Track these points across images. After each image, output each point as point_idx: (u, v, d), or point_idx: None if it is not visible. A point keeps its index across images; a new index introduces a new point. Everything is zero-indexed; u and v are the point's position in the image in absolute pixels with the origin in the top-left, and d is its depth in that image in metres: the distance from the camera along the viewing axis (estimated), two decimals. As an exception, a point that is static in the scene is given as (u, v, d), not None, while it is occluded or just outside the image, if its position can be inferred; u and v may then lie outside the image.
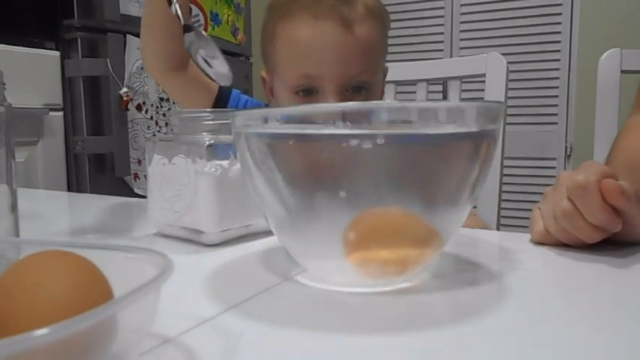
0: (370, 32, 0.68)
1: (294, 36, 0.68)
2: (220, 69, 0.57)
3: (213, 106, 0.83)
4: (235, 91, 0.87)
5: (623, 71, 0.87)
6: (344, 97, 0.67)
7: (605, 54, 0.88)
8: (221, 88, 0.84)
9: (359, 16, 0.67)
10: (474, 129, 0.32)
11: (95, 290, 0.21)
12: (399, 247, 0.33)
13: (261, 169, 0.34)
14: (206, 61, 0.58)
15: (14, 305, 0.20)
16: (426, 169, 0.32)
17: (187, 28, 0.57)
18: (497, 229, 0.85)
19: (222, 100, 0.84)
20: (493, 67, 0.88)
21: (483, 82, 0.89)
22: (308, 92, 0.68)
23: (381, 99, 0.77)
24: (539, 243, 0.44)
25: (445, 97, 2.13)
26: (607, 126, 0.88)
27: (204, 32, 0.59)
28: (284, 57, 0.70)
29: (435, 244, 0.34)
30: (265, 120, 0.34)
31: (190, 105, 0.83)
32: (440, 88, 2.08)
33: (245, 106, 0.86)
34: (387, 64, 0.79)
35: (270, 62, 0.74)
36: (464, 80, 0.95)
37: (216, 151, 0.43)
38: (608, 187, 0.38)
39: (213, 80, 0.59)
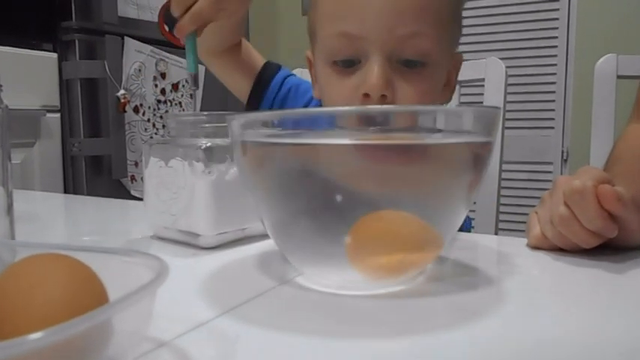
0: None
1: None
2: None
3: (253, 88, 0.77)
4: (282, 74, 0.78)
5: (619, 76, 0.87)
6: (392, 70, 0.53)
7: (602, 59, 0.88)
8: (264, 67, 0.77)
9: None
10: (470, 133, 0.32)
11: (90, 293, 0.21)
12: (396, 251, 0.33)
13: (257, 174, 0.34)
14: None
15: (9, 308, 0.20)
16: (423, 174, 0.32)
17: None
18: (496, 233, 0.85)
19: (262, 82, 0.77)
20: (492, 72, 0.88)
21: (482, 86, 0.89)
22: (348, 63, 0.55)
23: (447, 91, 0.61)
24: (536, 247, 0.44)
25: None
26: (603, 131, 0.88)
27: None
28: (324, 15, 0.57)
29: (432, 247, 0.34)
30: (262, 124, 0.34)
31: (231, 87, 0.80)
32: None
33: (288, 93, 0.77)
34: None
35: (312, 32, 0.61)
36: (463, 85, 0.95)
37: (212, 154, 0.43)
38: (604, 192, 0.38)
39: None
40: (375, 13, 0.52)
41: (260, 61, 0.80)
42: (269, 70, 0.78)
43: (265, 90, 0.77)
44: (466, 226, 0.74)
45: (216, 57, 0.76)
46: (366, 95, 0.51)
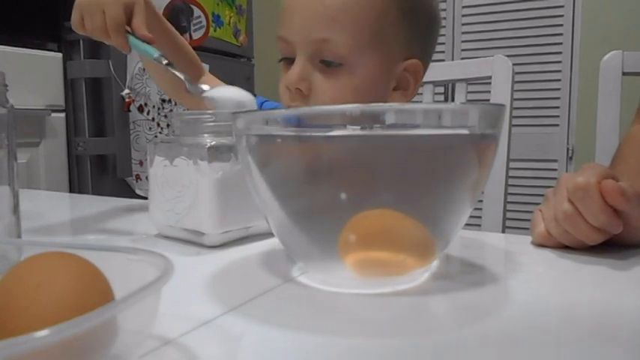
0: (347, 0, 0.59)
1: None
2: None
3: None
4: (258, 99, 0.83)
5: (624, 73, 0.87)
6: (313, 67, 0.60)
7: (607, 56, 0.88)
8: None
9: None
10: (475, 131, 0.32)
11: (96, 292, 0.21)
12: (396, 250, 0.33)
13: (262, 171, 0.34)
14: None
15: (15, 306, 0.20)
16: (427, 171, 0.32)
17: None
18: (503, 231, 0.85)
19: None
20: (499, 70, 0.88)
21: (489, 84, 0.89)
22: (289, 61, 0.63)
23: (398, 95, 0.65)
24: (541, 245, 0.44)
25: (447, 99, 2.13)
26: (609, 128, 0.88)
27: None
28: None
29: (433, 246, 0.34)
30: (266, 122, 0.34)
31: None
32: (441, 89, 2.08)
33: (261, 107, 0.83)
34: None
35: None
36: (470, 82, 0.95)
37: (217, 152, 0.44)
38: (607, 187, 0.38)
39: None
40: (296, 20, 0.61)
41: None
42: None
43: None
44: None
45: (186, 95, 0.75)
46: (287, 88, 0.61)
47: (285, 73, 0.63)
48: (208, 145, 0.43)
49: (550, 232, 0.43)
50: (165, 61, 0.63)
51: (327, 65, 0.60)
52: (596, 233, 0.40)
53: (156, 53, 0.64)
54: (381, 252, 0.33)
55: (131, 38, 0.66)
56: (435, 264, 0.38)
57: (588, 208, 0.39)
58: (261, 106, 0.83)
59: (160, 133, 1.80)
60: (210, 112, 0.47)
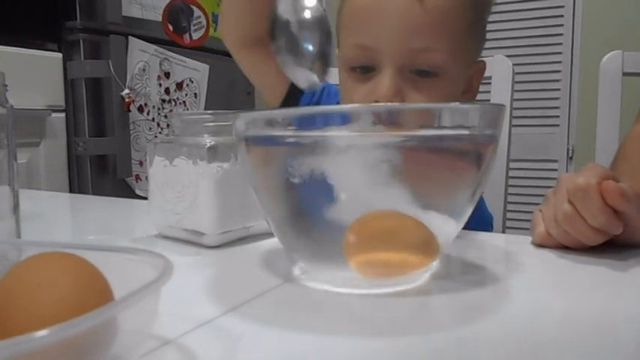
0: (449, 4, 0.55)
1: (354, 1, 0.58)
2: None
3: (288, 92, 0.73)
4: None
5: (625, 73, 0.87)
6: (404, 78, 0.55)
7: (607, 56, 0.88)
8: None
9: None
10: (474, 131, 0.32)
11: (95, 292, 0.21)
12: (399, 250, 0.33)
13: (262, 172, 0.34)
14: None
15: (15, 306, 0.20)
16: (427, 171, 0.32)
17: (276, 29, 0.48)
18: (503, 231, 0.85)
19: (297, 89, 0.73)
20: (499, 70, 0.88)
21: (489, 84, 0.89)
22: (364, 70, 0.57)
23: (468, 98, 0.63)
24: (541, 245, 0.44)
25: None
26: (609, 128, 0.88)
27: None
28: (344, 26, 0.60)
29: (435, 246, 0.34)
30: (266, 123, 0.34)
31: (263, 88, 0.76)
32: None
33: (322, 94, 0.76)
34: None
35: (337, 34, 0.63)
36: (470, 82, 0.95)
37: (217, 152, 0.44)
38: (607, 188, 0.38)
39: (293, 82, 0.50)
40: (387, 28, 0.54)
41: None
42: None
43: (301, 94, 0.75)
44: (486, 225, 0.72)
45: (247, 49, 0.71)
46: (377, 102, 0.54)
47: (361, 84, 0.57)
48: (208, 144, 0.43)
49: (550, 233, 0.43)
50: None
51: (422, 75, 0.55)
52: (595, 234, 0.40)
53: None
54: (384, 253, 0.33)
55: None
56: (435, 264, 0.38)
57: (588, 208, 0.39)
58: (322, 91, 0.76)
59: (160, 133, 1.80)
60: (210, 112, 0.47)
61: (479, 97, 1.21)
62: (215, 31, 2.03)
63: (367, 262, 0.33)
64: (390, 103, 0.51)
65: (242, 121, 0.34)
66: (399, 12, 0.54)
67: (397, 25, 0.54)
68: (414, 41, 0.54)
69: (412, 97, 0.54)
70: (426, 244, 0.34)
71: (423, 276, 0.36)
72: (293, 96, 0.75)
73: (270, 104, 0.78)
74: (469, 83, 0.62)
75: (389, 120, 0.30)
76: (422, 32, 0.54)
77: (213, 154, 0.43)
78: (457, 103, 0.33)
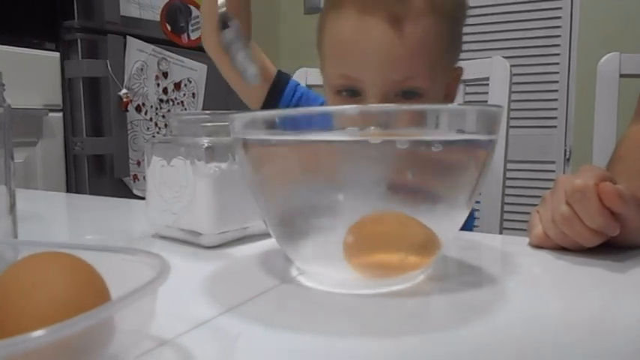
0: (426, 31, 0.57)
1: (337, 30, 0.60)
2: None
3: (268, 95, 0.77)
4: (293, 82, 0.80)
5: (622, 75, 0.87)
6: (389, 102, 0.58)
7: (604, 58, 0.88)
8: (278, 75, 0.79)
9: (414, 11, 0.57)
10: (472, 133, 0.32)
11: (92, 292, 0.21)
12: (397, 250, 0.33)
13: (259, 173, 0.34)
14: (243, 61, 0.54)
15: (11, 306, 0.20)
16: (425, 173, 0.32)
17: (225, 24, 0.52)
18: (500, 232, 0.85)
19: (277, 89, 0.78)
20: (497, 71, 0.88)
21: (487, 85, 0.89)
22: (352, 93, 0.60)
23: (446, 101, 0.67)
24: (538, 246, 0.44)
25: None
26: (606, 129, 0.88)
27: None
28: (327, 52, 0.63)
29: (433, 247, 0.34)
30: (264, 123, 0.34)
31: (242, 92, 0.78)
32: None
33: (300, 101, 0.79)
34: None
35: (320, 54, 0.67)
36: (467, 83, 0.95)
37: (214, 152, 0.43)
38: (605, 190, 0.38)
39: (246, 80, 0.51)
40: (369, 62, 0.57)
41: (271, 66, 0.80)
42: (283, 79, 0.79)
43: (280, 97, 0.78)
44: (468, 225, 0.73)
45: (226, 54, 0.74)
46: None
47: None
48: (206, 145, 0.43)
49: (547, 234, 0.43)
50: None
51: (407, 97, 0.59)
52: (593, 235, 0.40)
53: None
54: (383, 254, 0.33)
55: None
56: (432, 265, 0.38)
57: (585, 210, 0.39)
58: (299, 99, 0.79)
59: (158, 133, 1.80)
60: (208, 112, 0.47)
61: (477, 97, 1.21)
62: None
63: (367, 263, 0.33)
64: (384, 105, 0.52)
65: (240, 122, 0.34)
66: (379, 46, 0.56)
67: (378, 59, 0.57)
68: (395, 73, 0.57)
69: None
70: (426, 244, 0.34)
71: (419, 277, 0.36)
72: (272, 101, 0.77)
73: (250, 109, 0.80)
74: (448, 89, 0.66)
75: (388, 122, 0.30)
76: (402, 64, 0.57)
77: (211, 154, 0.43)
78: (455, 105, 0.33)
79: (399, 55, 0.57)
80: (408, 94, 0.58)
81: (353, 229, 0.31)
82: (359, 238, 0.32)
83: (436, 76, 0.60)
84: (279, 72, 0.81)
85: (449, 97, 0.67)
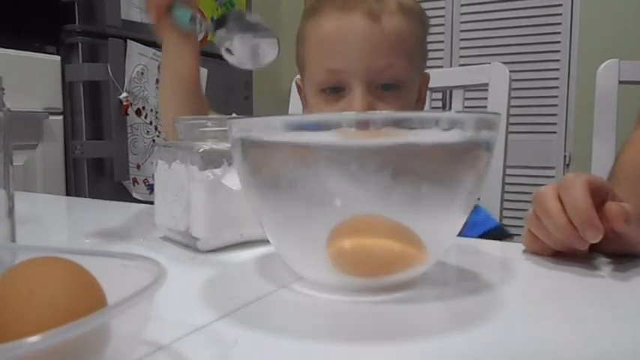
0: (400, 25, 0.65)
1: (320, 31, 0.66)
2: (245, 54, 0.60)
3: None
4: None
5: (621, 82, 0.87)
6: (372, 94, 0.64)
7: (604, 65, 0.88)
8: None
9: (389, 9, 0.64)
10: (470, 139, 0.32)
11: (88, 297, 0.21)
12: (382, 252, 0.33)
13: (256, 177, 0.34)
14: (229, 51, 0.65)
15: (7, 312, 0.20)
16: (422, 178, 0.32)
17: (220, 23, 0.61)
18: (499, 238, 0.85)
19: None
20: (496, 77, 0.89)
21: (486, 91, 0.90)
22: (335, 90, 0.66)
23: (420, 106, 0.73)
24: (529, 248, 0.44)
25: (445, 105, 2.13)
26: (605, 135, 0.88)
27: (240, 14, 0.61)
28: (311, 54, 0.69)
29: (428, 251, 0.34)
30: (263, 128, 0.34)
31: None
32: (439, 95, 2.08)
33: None
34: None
35: (301, 64, 0.73)
36: (467, 89, 0.95)
37: (209, 158, 0.44)
38: (611, 210, 0.37)
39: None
40: (355, 50, 0.63)
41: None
42: None
43: None
44: (490, 224, 0.72)
45: (177, 86, 0.77)
46: None
47: (333, 103, 0.65)
48: (201, 149, 0.43)
49: (531, 231, 0.42)
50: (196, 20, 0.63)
51: (386, 89, 0.64)
52: (574, 232, 0.38)
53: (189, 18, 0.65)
54: (367, 254, 0.33)
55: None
56: (430, 271, 0.38)
57: (571, 198, 0.38)
58: None
59: (158, 136, 1.80)
60: (213, 117, 0.47)
61: (477, 102, 1.21)
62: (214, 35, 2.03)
63: (350, 264, 0.33)
64: (382, 111, 0.55)
65: (237, 126, 0.34)
66: (362, 35, 0.63)
67: (362, 46, 0.63)
68: (377, 60, 0.63)
69: (381, 109, 0.63)
70: (412, 250, 0.34)
71: (417, 283, 0.36)
72: None
73: None
74: (420, 93, 0.72)
75: (385, 126, 0.30)
76: (383, 51, 0.63)
77: (206, 159, 0.43)
78: (454, 112, 0.33)
79: (380, 43, 0.63)
80: (387, 86, 0.64)
81: (338, 231, 0.31)
82: (343, 240, 0.32)
83: (412, 69, 0.67)
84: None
85: (420, 102, 0.72)
